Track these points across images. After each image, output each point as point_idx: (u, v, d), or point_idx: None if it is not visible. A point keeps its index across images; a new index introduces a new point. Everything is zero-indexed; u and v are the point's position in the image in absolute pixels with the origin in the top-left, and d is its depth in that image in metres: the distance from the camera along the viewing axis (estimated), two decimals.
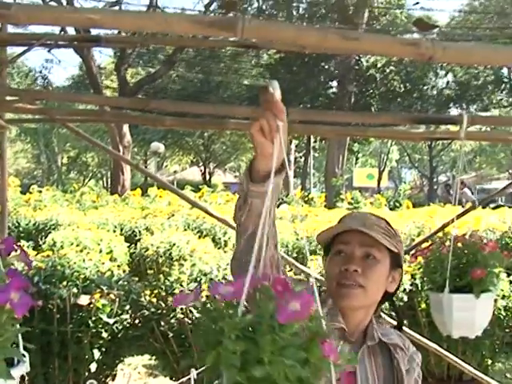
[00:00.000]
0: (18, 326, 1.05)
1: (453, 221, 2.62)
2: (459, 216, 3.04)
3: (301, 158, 35.42)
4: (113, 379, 4.90)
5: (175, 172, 36.19)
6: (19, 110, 3.47)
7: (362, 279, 1.70)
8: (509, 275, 5.18)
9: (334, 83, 25.52)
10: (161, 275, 4.84)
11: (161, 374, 5.99)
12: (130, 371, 4.04)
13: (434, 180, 41.69)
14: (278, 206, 13.00)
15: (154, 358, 5.40)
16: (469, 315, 2.31)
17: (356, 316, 1.76)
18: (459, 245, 2.37)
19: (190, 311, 4.43)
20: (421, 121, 2.51)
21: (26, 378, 4.62)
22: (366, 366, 1.76)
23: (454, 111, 27.90)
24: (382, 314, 2.14)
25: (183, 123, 3.34)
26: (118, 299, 4.56)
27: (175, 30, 1.32)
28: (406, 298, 4.91)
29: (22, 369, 1.11)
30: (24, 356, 1.13)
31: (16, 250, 1.16)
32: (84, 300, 4.42)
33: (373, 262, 1.74)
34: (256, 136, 1.38)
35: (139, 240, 8.24)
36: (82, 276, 4.58)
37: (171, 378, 4.82)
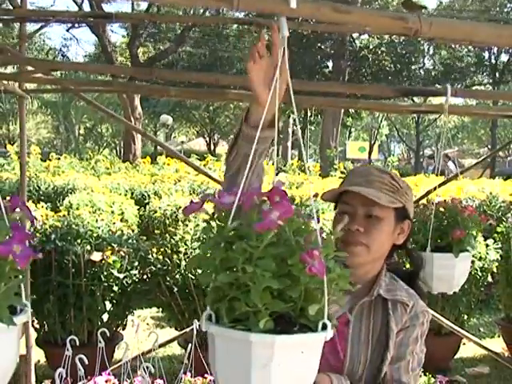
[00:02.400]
0: (20, 276, 1.03)
1: (435, 188, 2.60)
2: (441, 184, 3.02)
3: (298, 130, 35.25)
4: (123, 328, 4.92)
5: (182, 142, 36.06)
6: (36, 80, 3.42)
7: (364, 238, 1.65)
8: (486, 239, 5.18)
9: (330, 63, 25.26)
10: (167, 235, 4.83)
11: (167, 325, 6.03)
12: (138, 322, 4.04)
13: (420, 153, 41.57)
14: (277, 174, 12.97)
15: (161, 310, 5.42)
16: (448, 273, 2.30)
17: (360, 270, 1.71)
18: (441, 209, 2.35)
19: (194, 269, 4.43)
20: (406, 92, 2.46)
21: (46, 326, 4.66)
22: (363, 320, 1.72)
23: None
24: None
25: (187, 93, 3.30)
26: (127, 256, 4.56)
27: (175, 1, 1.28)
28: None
29: (24, 317, 1.08)
30: (26, 306, 1.11)
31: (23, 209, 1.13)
32: (96, 256, 4.42)
33: (375, 220, 1.67)
34: (254, 79, 1.34)
35: (148, 203, 8.23)
36: (95, 234, 4.57)
37: (176, 329, 4.84)
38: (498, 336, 6.05)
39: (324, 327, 1.13)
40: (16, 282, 1.02)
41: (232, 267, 1.13)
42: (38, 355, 5.02)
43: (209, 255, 1.17)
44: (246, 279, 1.10)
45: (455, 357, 5.41)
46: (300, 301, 1.13)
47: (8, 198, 1.16)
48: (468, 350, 5.61)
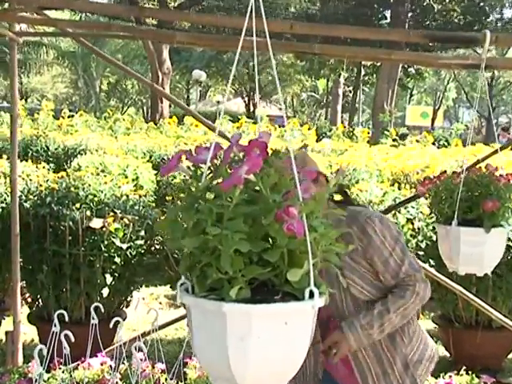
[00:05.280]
0: None
1: (478, 161, 2.53)
2: (485, 157, 2.93)
3: (350, 92, 34.85)
4: (127, 306, 4.99)
5: (218, 102, 36.07)
6: (25, 20, 3.44)
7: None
8: None
9: (388, 13, 24.73)
10: (179, 202, 4.84)
11: (182, 305, 6.10)
12: (139, 298, 4.09)
13: (494, 121, 40.63)
14: (319, 141, 12.88)
15: (170, 287, 5.49)
16: (478, 251, 2.24)
17: None
18: (473, 176, 2.28)
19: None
20: (436, 38, 2.37)
21: (40, 300, 4.76)
22: None
23: None
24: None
25: (196, 39, 3.26)
26: (132, 224, 4.60)
27: None
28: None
29: None
30: None
31: None
32: (97, 223, 4.46)
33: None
34: None
35: None
36: (97, 199, 4.62)
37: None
38: None
39: (311, 295, 1.12)
40: None
41: (203, 230, 1.13)
42: (30, 333, 5.15)
43: (180, 218, 1.17)
44: (215, 242, 1.09)
45: (510, 356, 5.32)
46: (284, 266, 1.12)
47: None
48: None
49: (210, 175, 1.19)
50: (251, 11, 1.27)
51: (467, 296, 4.08)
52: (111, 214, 4.54)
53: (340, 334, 2.14)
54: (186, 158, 1.20)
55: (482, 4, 24.42)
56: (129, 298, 4.99)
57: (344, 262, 2.14)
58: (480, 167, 2.30)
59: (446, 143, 14.66)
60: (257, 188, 1.16)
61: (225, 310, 1.10)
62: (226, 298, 1.11)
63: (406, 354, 2.23)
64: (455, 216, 2.18)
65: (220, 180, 1.16)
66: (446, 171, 2.43)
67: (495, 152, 2.97)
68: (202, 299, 1.14)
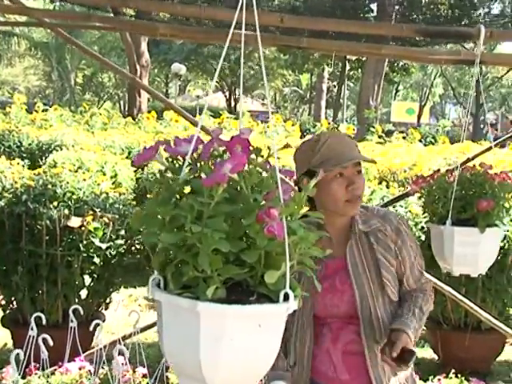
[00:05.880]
0: None
1: (468, 159, 2.56)
2: (476, 155, 2.95)
3: (334, 87, 34.94)
4: (106, 308, 4.97)
5: (198, 97, 36.03)
6: None
7: (360, 192, 2.19)
8: None
9: (374, 6, 24.84)
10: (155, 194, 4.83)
11: None
12: (119, 299, 4.10)
13: (481, 118, 40.92)
14: (303, 137, 12.90)
15: None
16: (472, 251, 2.26)
17: (344, 221, 2.26)
18: (467, 175, 2.30)
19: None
20: (429, 33, 2.38)
21: (14, 302, 4.72)
22: (355, 253, 2.23)
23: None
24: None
25: (179, 31, 3.25)
26: (112, 223, 4.58)
27: None
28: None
29: None
30: None
31: None
32: (75, 222, 4.44)
33: (361, 175, 2.22)
34: None
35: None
36: (75, 197, 4.59)
37: None
38: None
39: (286, 298, 1.12)
40: None
41: (181, 226, 1.13)
42: (4, 337, 5.10)
43: (156, 212, 1.17)
44: (194, 240, 1.10)
45: (498, 359, 5.36)
46: (260, 267, 1.13)
47: None
48: None
49: (189, 169, 1.19)
50: (241, 4, 1.27)
51: (456, 297, 4.11)
52: (90, 212, 4.51)
53: (404, 335, 2.14)
54: (164, 149, 1.19)
55: None
56: (108, 300, 4.97)
57: (381, 262, 2.23)
58: (474, 165, 2.32)
59: (432, 140, 14.75)
60: (237, 186, 1.17)
61: (199, 309, 1.10)
62: (200, 297, 1.11)
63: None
64: (449, 216, 2.20)
65: (198, 175, 1.17)
66: (439, 170, 2.45)
67: (489, 149, 3.00)
68: (176, 296, 1.14)
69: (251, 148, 1.16)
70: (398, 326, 2.16)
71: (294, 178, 2.22)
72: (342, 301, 2.22)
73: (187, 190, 1.18)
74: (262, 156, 1.22)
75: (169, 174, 1.22)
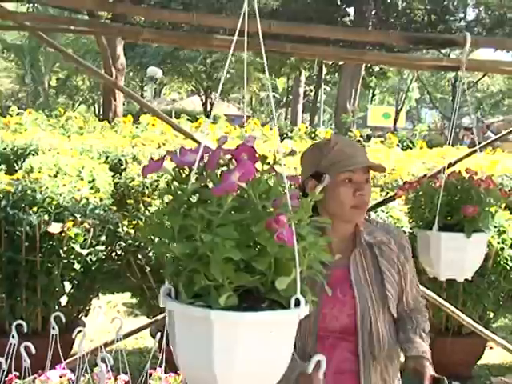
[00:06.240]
0: None
1: (450, 164, 2.60)
2: (458, 160, 3.00)
3: (311, 91, 35.08)
4: (86, 315, 4.95)
5: (174, 101, 35.96)
6: None
7: (367, 199, 2.18)
8: None
9: (352, 10, 24.99)
10: (141, 205, 4.84)
11: (142, 313, 6.07)
12: (99, 307, 4.07)
13: (457, 122, 41.30)
14: (281, 142, 12.94)
15: (132, 295, 5.45)
16: (458, 256, 2.31)
17: (349, 228, 2.24)
18: (453, 181, 2.34)
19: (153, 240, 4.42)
20: (417, 40, 2.43)
21: None
22: (358, 264, 2.21)
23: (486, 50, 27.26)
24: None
25: (164, 36, 3.27)
26: (92, 229, 4.57)
27: None
28: None
29: None
30: None
31: None
32: (55, 228, 4.42)
33: (369, 183, 2.20)
34: None
35: (125, 169, 8.23)
36: (55, 202, 4.57)
37: (148, 317, 4.87)
38: None
39: (297, 303, 1.14)
40: None
41: (191, 236, 1.14)
42: None
43: (166, 222, 1.18)
44: (205, 249, 1.11)
45: (479, 363, 5.42)
46: (270, 273, 1.14)
47: None
48: (495, 355, 5.62)
49: (196, 178, 1.21)
50: (244, 13, 1.29)
51: (437, 301, 4.16)
52: (70, 218, 4.50)
53: (427, 362, 2.13)
54: (171, 160, 1.21)
55: (445, 3, 24.85)
56: (88, 307, 4.96)
57: (385, 275, 2.22)
58: (460, 171, 2.37)
59: (410, 144, 14.89)
60: (244, 194, 1.18)
61: (213, 317, 1.11)
62: (213, 306, 1.12)
63: None
64: (436, 221, 2.24)
65: (205, 184, 1.18)
66: (426, 175, 2.50)
67: (474, 152, 3.06)
68: (189, 306, 1.15)
69: (257, 156, 1.18)
70: (417, 354, 2.15)
71: (299, 181, 2.16)
72: (341, 312, 2.17)
73: (195, 200, 1.19)
74: (268, 163, 1.24)
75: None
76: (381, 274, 2.22)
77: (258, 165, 1.22)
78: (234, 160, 1.20)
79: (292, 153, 1.40)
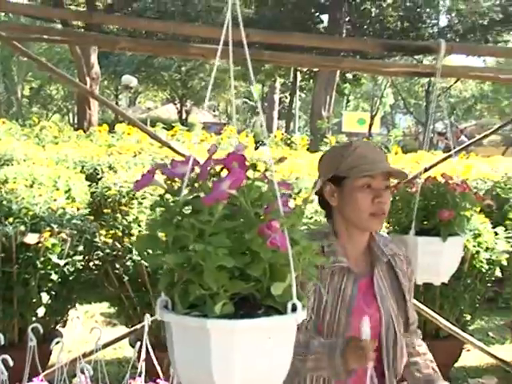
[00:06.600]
0: None
1: (426, 169, 2.63)
2: (434, 165, 3.04)
3: (286, 98, 35.20)
4: (63, 326, 4.92)
5: (149, 109, 35.86)
6: None
7: (386, 207, 2.09)
8: (494, 226, 5.22)
9: (325, 17, 25.14)
10: (118, 214, 4.82)
11: (120, 322, 6.04)
12: (77, 317, 4.04)
13: (431, 127, 41.64)
14: (257, 149, 12.97)
15: (110, 304, 5.43)
16: (435, 260, 2.33)
17: (365, 237, 2.17)
18: (429, 186, 2.37)
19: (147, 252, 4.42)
20: (391, 47, 2.46)
21: None
22: (382, 278, 2.16)
23: (458, 56, 27.53)
24: None
25: (140, 45, 3.27)
26: (69, 239, 4.55)
27: None
28: None
29: None
30: None
31: None
32: (32, 239, 4.39)
33: (389, 190, 2.12)
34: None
35: (101, 178, 8.19)
36: (31, 213, 4.55)
37: (127, 326, 4.85)
38: (511, 342, 6.11)
39: (294, 308, 1.15)
40: None
41: (185, 246, 1.15)
42: None
43: (158, 234, 1.18)
44: (198, 258, 1.11)
45: (456, 365, 5.46)
46: (265, 280, 1.15)
47: None
48: (472, 357, 5.66)
49: (188, 189, 1.22)
50: (227, 22, 1.30)
51: (416, 306, 4.20)
52: (47, 228, 4.47)
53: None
54: (162, 172, 1.22)
55: (418, 10, 25.10)
56: (65, 318, 4.92)
57: (404, 286, 2.21)
58: (435, 176, 2.40)
59: (385, 150, 15.00)
60: (236, 202, 1.19)
61: (209, 326, 1.12)
62: (209, 315, 1.13)
63: None
64: (412, 225, 2.26)
65: (199, 194, 1.19)
66: (400, 182, 2.53)
67: (449, 156, 3.10)
68: (185, 316, 1.16)
69: (247, 163, 1.19)
70: None
71: (318, 185, 2.06)
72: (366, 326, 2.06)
73: (187, 210, 1.20)
74: (259, 170, 1.25)
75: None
76: (400, 285, 2.20)
77: (251, 172, 1.23)
78: (225, 169, 1.20)
79: (282, 159, 1.42)
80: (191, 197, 1.19)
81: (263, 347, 1.14)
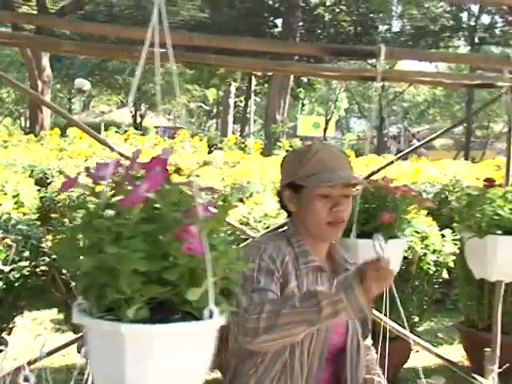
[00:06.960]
0: None
1: (373, 173, 2.66)
2: (381, 168, 3.07)
3: (241, 102, 35.24)
4: (9, 333, 4.83)
5: (103, 113, 35.55)
6: None
7: (345, 215, 2.06)
8: (441, 229, 5.29)
9: (279, 22, 25.28)
10: (65, 219, 4.75)
11: (70, 329, 5.95)
12: (23, 325, 3.97)
13: (385, 131, 42.18)
14: (211, 153, 12.96)
15: (58, 310, 5.35)
16: None
17: (325, 246, 2.16)
18: (371, 189, 2.39)
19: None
20: (336, 52, 2.48)
21: None
22: None
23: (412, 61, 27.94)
24: None
25: (85, 48, 3.23)
26: (14, 244, 4.47)
27: None
28: None
29: None
30: None
31: None
32: None
33: (349, 198, 2.07)
34: None
35: (51, 183, 8.08)
36: None
37: (75, 332, 4.78)
38: (459, 342, 6.20)
39: (211, 315, 1.14)
40: None
41: (102, 249, 1.13)
42: None
43: (77, 237, 1.17)
44: (113, 262, 1.10)
45: (405, 366, 5.52)
46: (183, 285, 1.14)
47: None
48: (421, 358, 5.72)
49: (111, 192, 1.21)
50: (153, 23, 1.30)
51: None
52: None
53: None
54: (86, 175, 1.21)
55: (371, 15, 25.42)
56: (11, 325, 4.83)
57: None
58: (377, 179, 2.43)
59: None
60: (157, 206, 1.19)
61: (123, 330, 1.10)
62: (123, 319, 1.11)
63: None
64: (353, 228, 2.28)
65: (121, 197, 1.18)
66: None
67: (392, 162, 3.14)
68: (99, 320, 1.14)
69: (169, 167, 1.19)
70: None
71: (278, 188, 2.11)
72: (335, 333, 2.10)
73: (109, 213, 1.19)
74: (183, 175, 1.24)
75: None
76: None
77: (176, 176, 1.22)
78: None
79: (206, 163, 1.41)
80: (111, 200, 1.18)
81: (179, 353, 1.13)
